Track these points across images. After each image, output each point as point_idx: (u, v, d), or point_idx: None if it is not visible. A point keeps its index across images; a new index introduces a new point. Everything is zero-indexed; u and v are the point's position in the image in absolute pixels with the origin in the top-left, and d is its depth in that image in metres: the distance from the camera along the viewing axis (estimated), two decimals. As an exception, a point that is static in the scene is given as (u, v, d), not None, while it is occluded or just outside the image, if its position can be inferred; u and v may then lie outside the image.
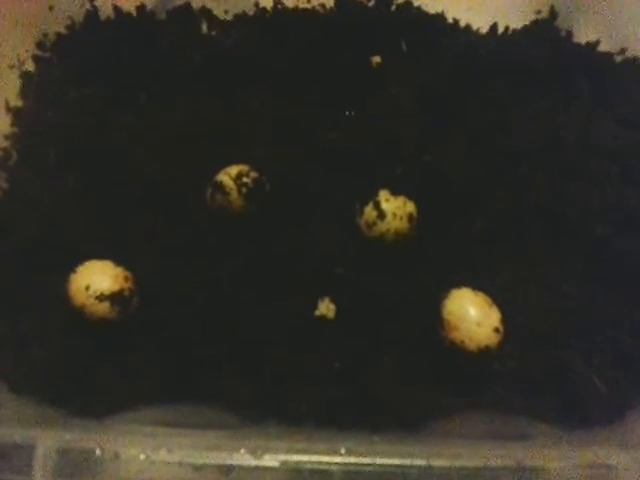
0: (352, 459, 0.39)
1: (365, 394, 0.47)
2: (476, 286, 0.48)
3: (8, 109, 0.62)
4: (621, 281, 0.52)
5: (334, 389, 0.47)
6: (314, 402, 0.47)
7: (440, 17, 0.67)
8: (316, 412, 0.46)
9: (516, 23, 0.67)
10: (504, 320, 0.47)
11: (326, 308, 0.50)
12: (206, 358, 0.48)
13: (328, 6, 0.67)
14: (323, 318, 0.50)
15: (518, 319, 0.49)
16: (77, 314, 0.48)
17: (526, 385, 0.48)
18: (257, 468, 0.39)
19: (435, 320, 0.48)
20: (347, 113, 0.60)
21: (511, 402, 0.47)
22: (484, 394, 0.48)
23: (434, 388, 0.48)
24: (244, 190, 0.51)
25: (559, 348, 0.49)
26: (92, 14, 0.67)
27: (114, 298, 0.48)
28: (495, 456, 0.39)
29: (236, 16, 0.68)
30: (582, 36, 0.66)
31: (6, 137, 0.61)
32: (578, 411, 0.47)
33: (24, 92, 0.63)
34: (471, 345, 0.46)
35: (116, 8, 0.67)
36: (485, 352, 0.46)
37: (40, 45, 0.65)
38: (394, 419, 0.46)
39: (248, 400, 0.47)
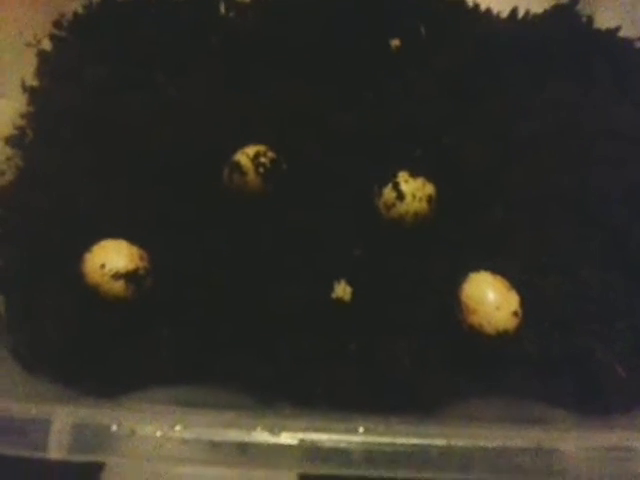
0: (371, 438, 0.38)
1: (381, 377, 0.47)
2: (494, 270, 0.48)
3: (24, 88, 0.62)
4: (639, 266, 0.51)
5: (349, 371, 0.47)
6: (329, 384, 0.46)
7: (460, 1, 0.67)
8: (331, 394, 0.46)
9: (536, 8, 0.67)
10: (523, 304, 0.46)
11: (342, 290, 0.49)
12: (221, 339, 0.48)
13: (347, -12, 0.66)
14: (340, 300, 0.49)
15: (537, 304, 0.48)
16: (92, 293, 0.48)
17: (545, 370, 0.48)
18: (274, 446, 0.38)
19: (453, 303, 0.47)
20: (365, 95, 0.59)
21: (529, 387, 0.47)
22: (502, 378, 0.47)
23: (452, 371, 0.47)
24: (261, 170, 0.51)
25: (578, 333, 0.48)
26: (109, -6, 0.67)
27: (129, 277, 0.47)
28: (515, 437, 0.39)
29: (254, -3, 0.68)
30: (602, 22, 0.66)
31: (22, 116, 0.60)
32: (597, 397, 0.47)
33: (40, 71, 0.63)
34: (489, 329, 0.46)
35: (133, -12, 0.67)
36: (504, 336, 0.46)
37: (57, 24, 0.66)
38: (411, 402, 0.46)
39: (263, 381, 0.47)
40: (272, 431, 0.39)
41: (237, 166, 0.51)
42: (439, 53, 0.62)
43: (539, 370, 0.48)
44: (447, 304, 0.48)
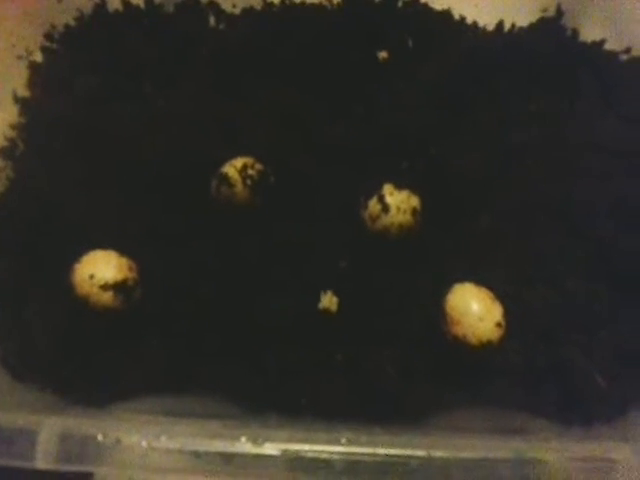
0: (353, 449, 0.39)
1: (366, 387, 0.47)
2: (479, 281, 0.48)
3: (16, 99, 0.62)
4: (623, 278, 0.52)
5: (336, 382, 0.47)
6: (315, 394, 0.47)
7: (447, 14, 0.68)
8: (317, 404, 0.46)
9: (522, 21, 0.67)
10: (506, 315, 0.47)
11: (329, 301, 0.50)
12: (208, 349, 0.48)
13: (335, 1, 0.67)
14: (326, 311, 0.49)
15: (520, 314, 0.49)
16: (81, 303, 0.48)
17: (527, 380, 0.48)
18: (258, 456, 0.39)
19: (437, 314, 0.48)
20: (353, 107, 0.60)
21: (512, 397, 0.47)
22: (485, 388, 0.47)
23: (435, 382, 0.48)
24: (249, 182, 0.52)
25: (561, 344, 0.49)
26: (100, 6, 0.68)
27: (118, 287, 0.48)
28: (495, 448, 0.39)
29: (244, 10, 0.69)
30: (588, 35, 0.67)
31: (13, 127, 0.61)
32: (579, 407, 0.47)
33: (32, 83, 0.64)
34: (473, 339, 0.46)
35: (124, 1, 0.68)
36: (487, 347, 0.46)
37: (48, 36, 0.66)
38: (395, 412, 0.46)
39: (249, 391, 0.47)
40: (256, 441, 0.39)
41: (225, 178, 0.52)
42: (426, 65, 0.62)
43: (523, 380, 0.48)
44: (432, 315, 0.48)
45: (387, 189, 0.51)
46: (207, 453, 0.39)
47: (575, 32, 0.67)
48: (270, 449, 0.39)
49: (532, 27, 0.67)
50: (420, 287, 0.50)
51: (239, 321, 0.49)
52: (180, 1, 0.69)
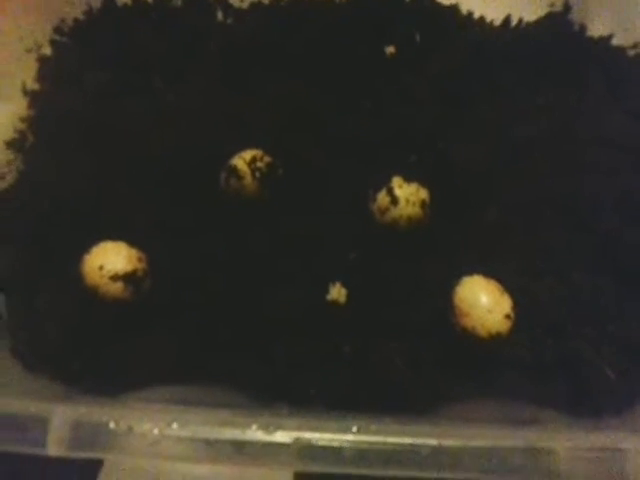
0: (363, 437, 0.39)
1: (375, 378, 0.47)
2: (487, 273, 0.48)
3: (25, 92, 0.63)
4: (631, 272, 0.52)
5: (344, 373, 0.47)
6: (324, 385, 0.47)
7: (454, 9, 0.68)
8: (325, 395, 0.46)
9: (530, 16, 0.68)
10: (515, 307, 0.47)
11: (338, 292, 0.50)
12: (217, 340, 0.48)
13: (343, -5, 0.67)
14: (335, 303, 0.49)
15: (529, 307, 0.49)
16: (91, 294, 0.48)
17: (536, 372, 0.48)
18: (269, 444, 0.39)
19: (446, 306, 0.48)
20: (361, 101, 0.60)
21: (521, 389, 0.47)
22: (494, 380, 0.47)
23: (445, 373, 0.48)
24: (258, 175, 0.52)
25: (569, 336, 0.49)
26: (109, 0, 0.68)
27: (128, 278, 0.48)
28: (505, 437, 0.40)
29: (252, 4, 0.69)
30: (595, 30, 0.67)
31: (23, 120, 0.61)
32: (587, 399, 0.47)
33: (41, 76, 0.64)
34: (482, 331, 0.46)
35: (133, -6, 0.68)
36: (496, 339, 0.46)
37: (58, 30, 0.67)
38: (404, 403, 0.46)
39: (258, 382, 0.47)
40: (267, 430, 0.39)
41: (234, 170, 0.52)
42: (433, 60, 0.62)
43: (531, 372, 0.48)
44: (440, 307, 0.48)
45: (396, 182, 0.51)
46: (218, 441, 0.39)
47: (582, 27, 0.67)
48: (281, 437, 0.39)
49: (539, 22, 0.67)
50: (429, 279, 0.50)
51: (248, 312, 0.49)
52: (188, -5, 0.69)
